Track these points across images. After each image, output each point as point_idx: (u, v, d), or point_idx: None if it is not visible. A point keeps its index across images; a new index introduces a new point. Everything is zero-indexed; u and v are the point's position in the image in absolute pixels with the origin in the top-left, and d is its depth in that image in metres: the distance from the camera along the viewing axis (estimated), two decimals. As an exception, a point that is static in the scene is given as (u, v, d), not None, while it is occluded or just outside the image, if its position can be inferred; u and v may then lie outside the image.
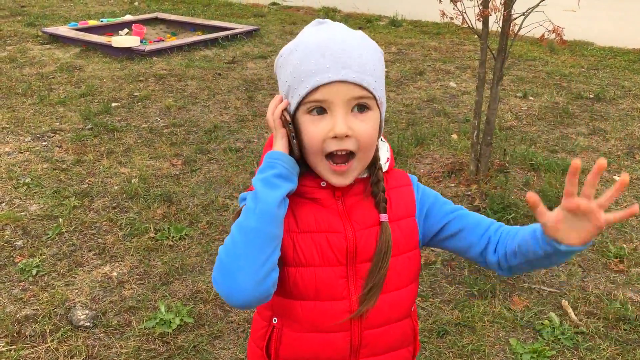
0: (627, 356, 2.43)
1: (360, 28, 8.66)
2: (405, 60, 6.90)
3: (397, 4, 9.27)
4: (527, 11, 3.36)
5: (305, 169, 1.16)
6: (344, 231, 1.14)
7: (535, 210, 1.06)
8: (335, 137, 1.08)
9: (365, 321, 1.17)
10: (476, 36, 3.59)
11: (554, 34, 3.22)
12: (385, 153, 1.23)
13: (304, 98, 1.09)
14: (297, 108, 1.11)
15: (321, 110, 1.09)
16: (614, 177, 3.98)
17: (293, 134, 1.11)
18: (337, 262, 1.14)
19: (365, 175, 1.19)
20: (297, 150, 1.12)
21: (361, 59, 1.09)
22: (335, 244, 1.14)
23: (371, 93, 1.10)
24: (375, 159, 1.19)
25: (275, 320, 1.19)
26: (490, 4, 3.36)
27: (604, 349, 2.47)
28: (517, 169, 3.99)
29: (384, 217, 1.16)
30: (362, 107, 1.10)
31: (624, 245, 3.19)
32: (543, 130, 4.81)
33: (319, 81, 1.06)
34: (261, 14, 9.62)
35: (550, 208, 3.18)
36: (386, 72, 6.60)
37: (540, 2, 3.30)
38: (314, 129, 1.09)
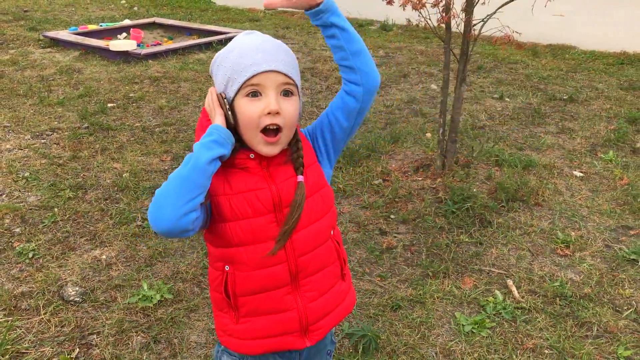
0: (559, 327, 2.71)
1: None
2: (391, 64, 7.19)
3: (388, 9, 9.52)
4: (485, 17, 3.64)
5: (239, 144, 1.44)
6: (268, 187, 1.44)
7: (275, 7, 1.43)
8: (269, 113, 1.37)
9: (297, 251, 1.47)
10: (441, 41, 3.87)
11: (506, 38, 3.48)
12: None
13: (243, 84, 1.37)
14: (235, 94, 1.40)
15: (256, 93, 1.39)
16: (573, 172, 4.25)
17: (228, 107, 1.40)
18: (266, 211, 1.44)
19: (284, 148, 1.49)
20: (232, 120, 1.40)
21: (286, 56, 1.43)
22: (262, 197, 1.43)
23: (294, 82, 1.41)
24: (295, 133, 1.49)
25: (227, 267, 1.48)
26: (451, 10, 3.65)
27: (539, 321, 2.75)
28: (482, 164, 4.27)
29: (300, 177, 1.46)
30: (287, 92, 1.41)
31: (572, 232, 3.47)
32: (513, 129, 5.09)
33: (256, 70, 1.37)
34: (256, 18, 9.94)
35: (507, 200, 3.47)
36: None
37: (498, 9, 3.58)
38: (251, 107, 1.38)
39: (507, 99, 5.88)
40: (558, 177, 4.16)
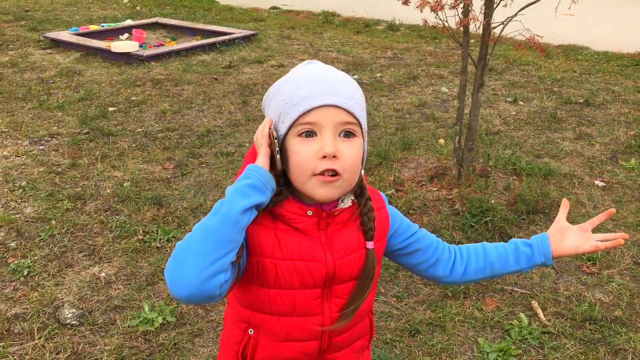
0: (590, 355, 2.52)
1: (358, 32, 8.79)
2: (400, 65, 7.00)
3: (395, 9, 9.33)
4: (506, 20, 3.45)
5: (291, 194, 1.22)
6: (324, 260, 1.22)
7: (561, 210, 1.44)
8: (324, 157, 1.14)
9: (335, 330, 1.28)
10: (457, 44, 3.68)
11: (531, 42, 3.29)
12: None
13: (295, 121, 1.16)
14: (287, 132, 1.18)
15: (310, 133, 1.16)
16: (594, 181, 4.06)
17: (277, 149, 1.18)
18: (314, 285, 1.24)
19: (348, 205, 1.25)
20: (279, 164, 1.18)
21: (349, 90, 1.19)
22: (315, 271, 1.22)
23: (357, 120, 1.18)
24: (362, 188, 1.27)
25: (251, 331, 1.29)
26: (470, 13, 3.46)
27: (568, 348, 2.56)
28: (499, 173, 4.08)
29: (370, 244, 1.26)
30: (348, 133, 1.17)
31: (598, 248, 3.27)
32: (529, 135, 4.90)
33: (312, 104, 1.14)
34: (261, 18, 9.75)
35: (528, 212, 3.27)
36: (380, 76, 6.70)
37: (519, 12, 3.39)
38: (304, 149, 1.16)
39: (521, 103, 5.69)
40: (579, 187, 3.97)
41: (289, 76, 1.23)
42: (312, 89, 1.16)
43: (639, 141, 4.67)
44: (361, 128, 1.20)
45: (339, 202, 1.24)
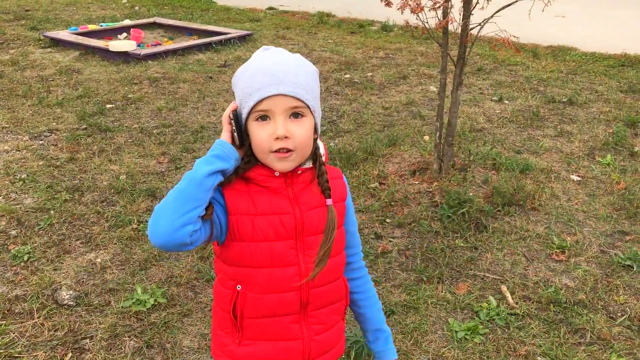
0: (552, 333, 2.71)
1: (352, 33, 8.97)
2: (391, 65, 7.19)
3: (389, 10, 9.52)
4: (482, 21, 3.64)
5: (258, 161, 1.45)
6: (293, 212, 1.44)
7: None
8: (277, 138, 1.36)
9: (310, 282, 1.48)
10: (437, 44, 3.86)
11: (505, 42, 3.47)
12: (321, 149, 1.54)
13: (252, 109, 1.38)
14: (247, 116, 1.41)
15: (265, 117, 1.38)
16: (570, 176, 4.25)
17: (234, 128, 1.41)
18: (287, 236, 1.44)
19: (309, 166, 1.49)
20: (237, 140, 1.41)
21: (296, 76, 1.40)
22: (286, 222, 1.44)
23: (304, 102, 1.38)
24: (317, 154, 1.49)
25: (239, 287, 1.48)
26: (448, 15, 3.64)
27: (532, 327, 2.75)
28: (479, 168, 4.26)
29: (329, 201, 1.48)
30: (296, 115, 1.39)
31: (568, 237, 3.46)
32: (512, 132, 5.08)
33: (262, 95, 1.36)
34: (257, 18, 9.93)
35: (504, 204, 3.47)
36: (371, 76, 6.85)
37: (495, 13, 3.58)
38: (260, 132, 1.38)
39: (506, 102, 5.87)
40: (555, 181, 4.15)
41: (247, 65, 1.44)
42: (263, 81, 1.37)
43: (617, 138, 4.85)
44: (309, 108, 1.40)
45: (301, 164, 1.46)
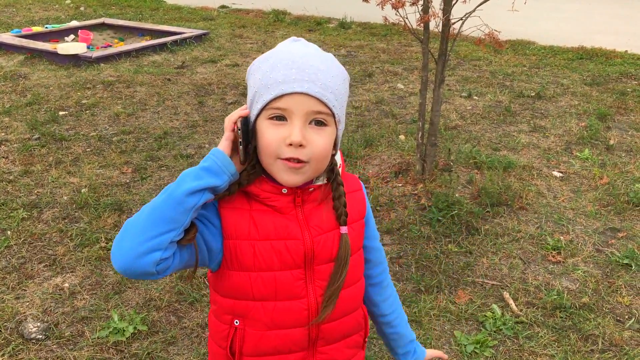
0: (563, 342, 2.58)
1: (310, 30, 8.76)
2: (355, 63, 7.02)
3: (345, 7, 9.38)
4: (464, 16, 3.49)
5: (263, 173, 1.20)
6: (302, 237, 1.20)
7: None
8: (290, 144, 1.13)
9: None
10: (418, 40, 3.70)
11: (489, 37, 3.34)
12: (337, 159, 1.30)
13: (267, 104, 1.13)
14: (259, 113, 1.16)
15: (281, 117, 1.14)
16: (552, 172, 4.17)
17: (240, 140, 1.15)
18: (295, 265, 1.21)
19: (322, 182, 1.24)
20: (242, 155, 1.16)
21: (326, 77, 1.15)
22: (293, 249, 1.20)
23: (330, 110, 1.15)
24: (334, 171, 1.25)
25: (237, 322, 1.24)
26: (430, 10, 3.48)
27: (541, 336, 2.61)
28: (461, 167, 4.13)
29: (344, 229, 1.24)
30: (319, 122, 1.15)
31: (561, 237, 3.36)
32: (486, 128, 4.99)
33: (284, 90, 1.12)
34: (210, 17, 9.60)
35: (492, 205, 3.31)
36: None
37: (477, 7, 3.44)
38: (272, 133, 1.14)
39: (475, 97, 5.79)
40: (538, 178, 4.06)
41: (270, 53, 1.20)
42: (287, 74, 1.13)
43: (591, 132, 4.81)
44: (334, 117, 1.17)
45: (314, 179, 1.23)
